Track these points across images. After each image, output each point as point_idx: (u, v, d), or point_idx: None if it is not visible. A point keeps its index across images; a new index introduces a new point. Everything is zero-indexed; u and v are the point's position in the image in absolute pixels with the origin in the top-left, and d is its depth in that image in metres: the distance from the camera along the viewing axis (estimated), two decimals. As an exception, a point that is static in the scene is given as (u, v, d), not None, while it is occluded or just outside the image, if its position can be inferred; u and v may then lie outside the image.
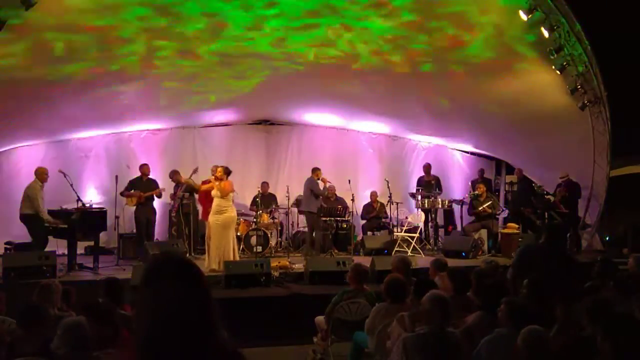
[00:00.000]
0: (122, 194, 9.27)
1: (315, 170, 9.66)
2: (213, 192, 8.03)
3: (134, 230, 9.61)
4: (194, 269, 1.43)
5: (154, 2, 6.30)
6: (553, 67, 7.86)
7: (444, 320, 3.34)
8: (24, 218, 7.88)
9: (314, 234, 9.66)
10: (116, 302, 4.25)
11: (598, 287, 4.47)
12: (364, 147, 12.15)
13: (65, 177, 7.83)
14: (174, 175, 9.90)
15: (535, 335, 2.94)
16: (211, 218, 8.00)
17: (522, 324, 3.12)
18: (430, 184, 10.87)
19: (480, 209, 10.11)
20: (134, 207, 9.36)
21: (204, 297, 1.39)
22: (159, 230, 10.01)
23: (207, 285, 1.43)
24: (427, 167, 11.20)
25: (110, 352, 3.19)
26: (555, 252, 5.15)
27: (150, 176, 9.62)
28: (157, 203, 9.72)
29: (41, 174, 7.94)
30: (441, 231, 11.08)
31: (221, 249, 7.89)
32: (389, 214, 10.48)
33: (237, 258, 8.11)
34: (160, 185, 9.66)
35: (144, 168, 9.55)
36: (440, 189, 10.89)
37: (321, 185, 9.57)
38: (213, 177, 8.14)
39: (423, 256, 9.25)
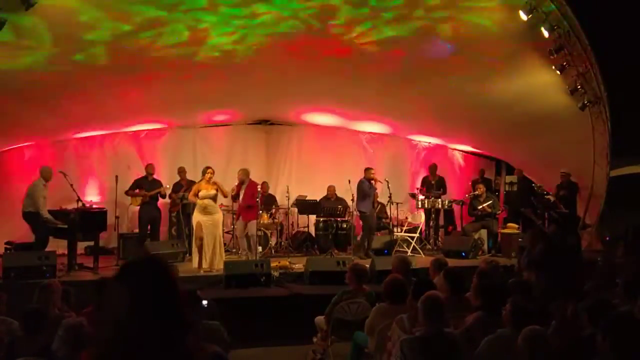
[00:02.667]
0: (127, 192, 9.32)
1: (366, 170, 9.69)
2: (203, 193, 8.10)
3: (136, 230, 9.62)
4: (165, 271, 1.42)
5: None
6: (553, 67, 7.86)
7: (439, 321, 3.34)
8: (26, 216, 7.85)
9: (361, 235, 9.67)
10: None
11: (599, 287, 4.47)
12: (364, 147, 12.15)
13: (65, 177, 7.83)
14: (182, 173, 9.94)
15: (535, 335, 2.94)
16: (202, 218, 8.10)
17: (525, 325, 3.10)
18: (431, 184, 10.88)
19: (480, 208, 10.11)
20: (138, 207, 9.38)
21: (168, 299, 1.38)
22: (160, 230, 10.00)
23: (177, 290, 1.42)
24: (432, 168, 11.19)
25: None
26: (562, 250, 5.13)
27: (154, 176, 9.66)
28: (160, 203, 9.74)
29: (45, 173, 7.93)
30: (441, 231, 11.08)
31: (211, 248, 8.02)
32: (389, 214, 10.48)
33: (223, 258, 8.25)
34: (164, 185, 9.70)
35: (149, 168, 9.60)
36: (444, 189, 10.89)
37: (375, 184, 9.56)
38: (208, 178, 8.19)
39: (423, 256, 9.27)
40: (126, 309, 1.33)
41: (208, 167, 8.36)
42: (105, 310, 1.40)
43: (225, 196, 8.48)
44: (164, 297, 1.38)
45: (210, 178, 8.17)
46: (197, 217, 8.16)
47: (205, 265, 7.98)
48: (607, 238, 9.70)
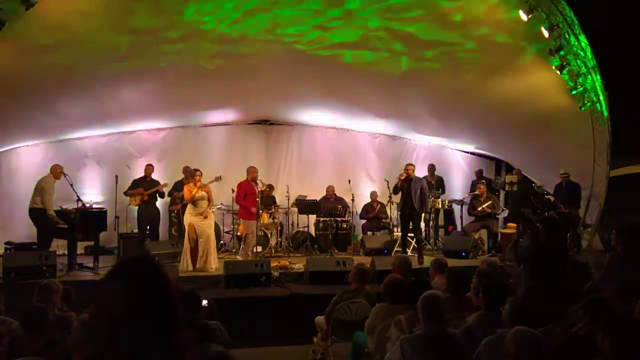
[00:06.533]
0: (125, 193, 9.33)
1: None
2: (200, 195, 8.14)
3: (135, 230, 9.63)
4: (159, 271, 1.41)
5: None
6: (553, 67, 7.86)
7: (439, 321, 3.33)
8: (32, 213, 7.71)
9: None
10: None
11: (598, 287, 4.46)
12: (364, 147, 12.14)
13: (65, 177, 7.82)
14: (186, 172, 9.93)
15: (523, 335, 2.90)
16: (194, 220, 8.13)
17: (523, 324, 3.09)
18: (430, 185, 10.87)
19: (480, 209, 10.11)
20: (137, 207, 9.38)
21: (162, 300, 1.36)
22: (160, 230, 10.00)
23: (171, 290, 1.41)
24: (430, 168, 11.20)
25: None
26: (554, 250, 5.14)
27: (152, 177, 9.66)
28: (159, 203, 9.74)
29: (57, 172, 7.90)
30: (441, 231, 11.08)
31: (203, 248, 8.08)
32: (389, 214, 10.48)
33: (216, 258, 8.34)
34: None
35: (148, 169, 9.63)
36: (443, 189, 10.88)
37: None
38: (197, 181, 8.22)
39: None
40: (119, 308, 1.31)
41: (197, 170, 8.41)
42: (97, 310, 1.39)
43: (209, 201, 8.43)
44: (157, 295, 1.36)
45: (198, 181, 8.19)
46: (188, 218, 8.19)
47: (198, 265, 8.03)
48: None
